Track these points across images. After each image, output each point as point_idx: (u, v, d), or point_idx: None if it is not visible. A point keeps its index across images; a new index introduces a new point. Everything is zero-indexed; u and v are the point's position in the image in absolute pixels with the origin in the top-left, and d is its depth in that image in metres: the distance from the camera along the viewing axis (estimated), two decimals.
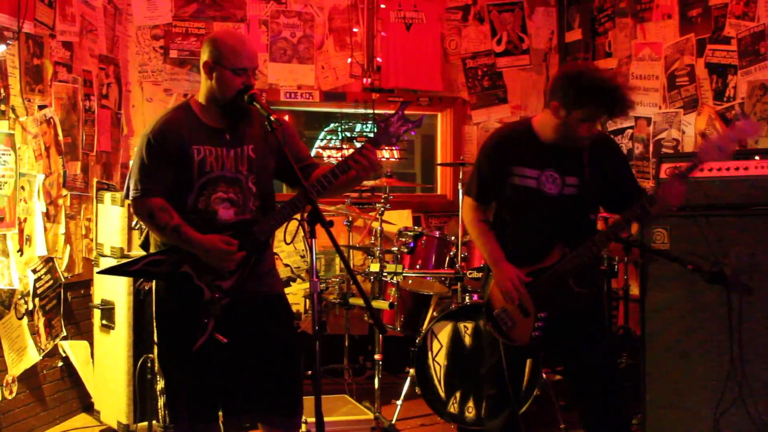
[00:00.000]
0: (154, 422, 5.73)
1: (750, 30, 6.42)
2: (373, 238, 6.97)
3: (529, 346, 4.76)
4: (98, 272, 4.62)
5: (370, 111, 8.34)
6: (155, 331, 4.35)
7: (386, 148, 8.46)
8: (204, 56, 4.19)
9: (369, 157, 4.16)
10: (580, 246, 4.56)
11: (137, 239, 6.06)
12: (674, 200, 4.42)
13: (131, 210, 4.98)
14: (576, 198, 4.65)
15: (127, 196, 4.24)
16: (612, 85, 4.40)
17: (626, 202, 4.59)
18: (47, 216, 6.18)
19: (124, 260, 4.63)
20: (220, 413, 4.33)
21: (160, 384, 5.17)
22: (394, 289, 6.65)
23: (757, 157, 5.43)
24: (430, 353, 6.38)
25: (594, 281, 4.67)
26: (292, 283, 7.65)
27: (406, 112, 4.36)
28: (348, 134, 8.60)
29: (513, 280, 4.65)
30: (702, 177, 5.46)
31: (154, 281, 4.35)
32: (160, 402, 5.22)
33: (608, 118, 4.52)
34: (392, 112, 4.34)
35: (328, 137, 9.01)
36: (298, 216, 4.14)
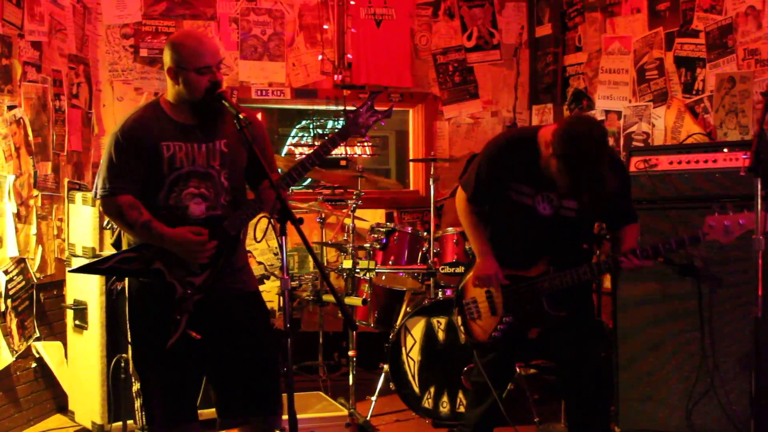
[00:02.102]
0: (129, 422, 5.71)
1: (718, 23, 6.46)
2: (345, 234, 6.97)
3: (487, 344, 4.82)
4: (70, 271, 4.61)
5: (341, 108, 8.34)
6: (128, 331, 4.34)
7: (357, 140, 8.47)
8: (166, 62, 4.18)
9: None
10: (565, 269, 4.62)
11: (109, 239, 6.04)
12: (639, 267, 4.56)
13: (101, 209, 4.97)
14: (571, 220, 4.69)
15: (95, 196, 4.22)
16: (588, 171, 4.34)
17: (617, 222, 4.75)
18: (18, 217, 6.15)
19: (96, 259, 4.62)
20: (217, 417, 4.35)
21: (136, 385, 5.16)
22: (367, 285, 6.65)
23: (725, 150, 5.48)
24: (403, 349, 6.39)
25: (566, 307, 4.69)
26: (265, 280, 7.63)
27: (377, 105, 4.38)
28: (320, 131, 8.61)
29: (493, 272, 4.74)
30: (670, 170, 5.51)
31: (126, 280, 4.34)
32: (137, 403, 5.21)
33: (574, 192, 4.51)
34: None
35: (300, 134, 9.01)
36: (267, 213, 4.14)
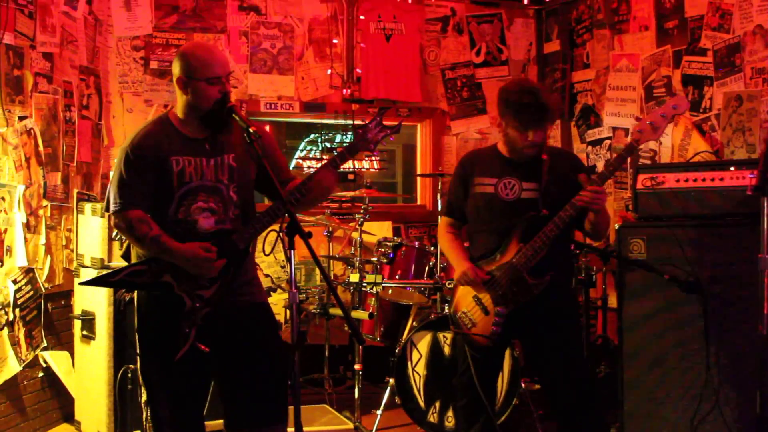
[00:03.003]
0: None
1: (725, 42, 6.49)
2: (352, 248, 6.99)
3: (491, 343, 4.86)
4: (80, 283, 4.64)
5: (350, 122, 8.37)
6: (137, 343, 4.36)
7: (365, 154, 8.49)
8: (176, 72, 4.21)
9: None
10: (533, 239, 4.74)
11: (117, 250, 6.08)
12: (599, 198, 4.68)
13: (111, 223, 5.00)
14: (533, 201, 4.84)
15: (107, 210, 4.25)
16: (525, 96, 4.74)
17: (582, 213, 4.81)
18: (27, 227, 6.18)
19: (105, 271, 4.64)
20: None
21: (144, 396, 5.17)
22: (373, 299, 6.67)
23: (732, 168, 5.49)
24: (409, 363, 6.40)
25: (547, 270, 4.76)
26: (272, 293, 7.64)
27: (385, 120, 4.41)
28: (328, 145, 8.62)
29: (467, 267, 4.90)
30: (677, 188, 5.52)
31: (135, 292, 4.36)
32: (145, 413, 5.22)
33: (536, 125, 4.70)
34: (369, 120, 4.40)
35: (309, 148, 9.02)
36: (276, 227, 4.16)
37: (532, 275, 4.75)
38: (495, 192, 4.90)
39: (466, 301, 4.97)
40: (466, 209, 5.07)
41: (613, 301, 6.56)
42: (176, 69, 4.21)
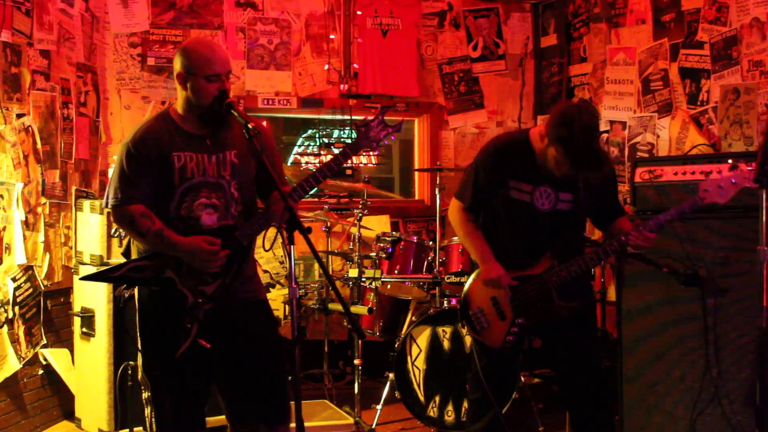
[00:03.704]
0: (135, 429, 5.73)
1: (722, 35, 6.49)
2: (351, 243, 6.99)
3: (502, 350, 4.82)
4: (81, 278, 4.63)
5: (347, 117, 8.38)
6: (139, 339, 4.36)
7: (366, 152, 8.51)
8: (176, 67, 4.22)
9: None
10: (569, 260, 4.65)
11: (116, 247, 6.08)
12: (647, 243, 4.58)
13: (112, 219, 5.00)
14: (568, 213, 4.75)
15: (107, 205, 4.24)
16: (585, 147, 4.46)
17: (608, 220, 4.83)
18: (26, 224, 6.18)
19: (105, 268, 4.63)
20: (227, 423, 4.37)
21: (146, 393, 5.18)
22: (372, 294, 6.68)
23: (730, 161, 5.48)
24: (409, 358, 6.41)
25: (577, 296, 4.72)
26: (271, 288, 7.64)
27: (385, 117, 4.41)
28: (326, 140, 8.63)
29: (500, 274, 4.74)
30: (675, 181, 5.52)
31: (135, 288, 4.36)
32: (147, 411, 5.23)
33: (582, 171, 4.58)
34: (370, 117, 4.38)
35: (306, 143, 9.03)
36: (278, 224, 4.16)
37: (560, 295, 4.69)
38: (531, 201, 4.74)
39: (481, 298, 4.88)
40: (490, 209, 4.90)
41: (611, 295, 6.59)
42: (177, 65, 4.22)
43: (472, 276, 4.96)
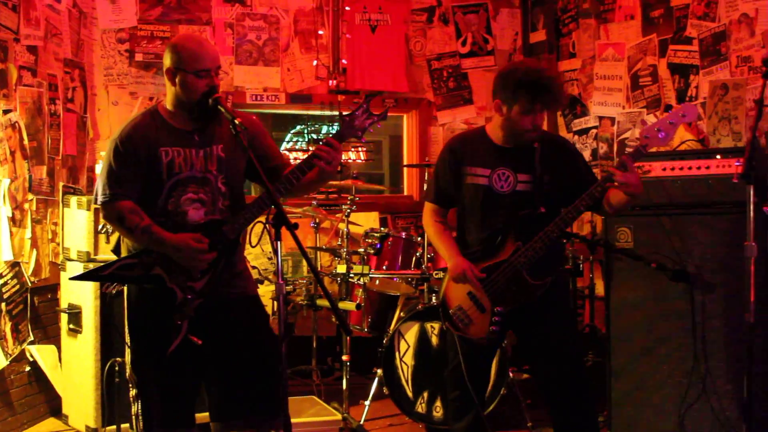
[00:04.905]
0: (123, 425, 5.72)
1: (711, 30, 6.50)
2: (339, 239, 6.98)
3: (487, 341, 4.82)
4: (71, 278, 4.61)
5: (336, 113, 8.37)
6: (128, 336, 4.35)
7: (352, 145, 8.49)
8: (166, 63, 4.22)
9: (330, 151, 4.17)
10: (532, 239, 4.64)
11: (104, 243, 6.06)
12: (635, 189, 4.45)
13: (101, 215, 4.98)
14: (528, 194, 4.75)
15: (95, 202, 4.24)
16: (543, 77, 4.60)
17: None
18: (13, 221, 6.16)
19: (92, 264, 4.63)
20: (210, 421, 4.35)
21: (134, 390, 5.16)
22: (361, 290, 6.66)
23: (718, 156, 5.50)
24: (397, 354, 6.40)
25: (549, 271, 4.71)
26: (259, 284, 7.63)
27: (371, 110, 4.38)
28: (314, 136, 8.62)
29: (465, 267, 4.74)
30: (664, 176, 5.53)
31: (125, 286, 4.35)
32: (134, 408, 5.21)
33: (543, 108, 4.62)
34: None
35: (295, 139, 9.01)
36: (263, 218, 4.15)
37: (532, 275, 4.67)
38: (489, 184, 4.77)
39: (459, 296, 4.87)
40: (455, 198, 4.95)
41: (600, 290, 6.59)
42: (166, 60, 4.22)
43: (446, 277, 4.97)
